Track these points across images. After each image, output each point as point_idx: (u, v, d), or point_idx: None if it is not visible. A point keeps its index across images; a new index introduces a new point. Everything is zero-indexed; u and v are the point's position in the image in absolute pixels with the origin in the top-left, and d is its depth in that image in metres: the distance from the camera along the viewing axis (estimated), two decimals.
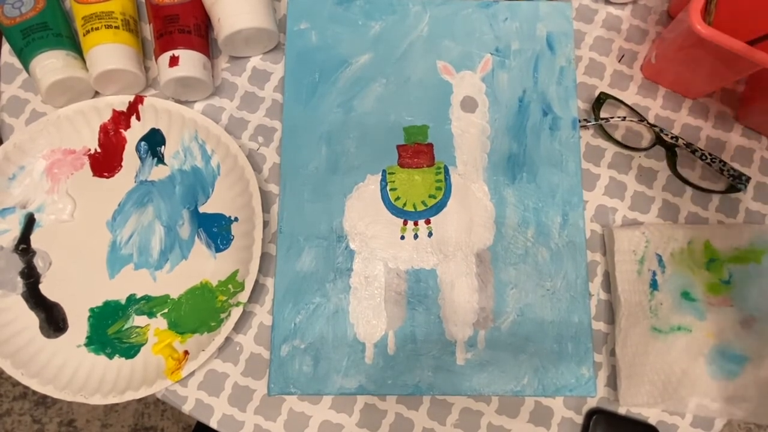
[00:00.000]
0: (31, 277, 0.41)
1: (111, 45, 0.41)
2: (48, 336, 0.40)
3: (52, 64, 0.40)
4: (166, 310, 0.41)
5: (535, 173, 0.43)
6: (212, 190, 0.43)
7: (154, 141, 0.43)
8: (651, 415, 0.40)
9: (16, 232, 0.41)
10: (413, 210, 0.42)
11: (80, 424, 1.02)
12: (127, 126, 0.43)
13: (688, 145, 0.43)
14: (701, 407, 0.38)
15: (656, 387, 0.38)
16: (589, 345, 0.40)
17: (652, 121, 0.45)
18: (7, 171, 0.42)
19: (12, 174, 0.42)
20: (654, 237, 0.41)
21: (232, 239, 0.42)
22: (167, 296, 0.41)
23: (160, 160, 0.43)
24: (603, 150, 0.44)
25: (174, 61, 0.41)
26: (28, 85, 0.45)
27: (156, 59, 0.42)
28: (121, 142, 0.43)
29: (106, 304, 0.41)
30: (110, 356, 0.40)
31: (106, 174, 0.43)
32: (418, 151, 0.43)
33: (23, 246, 0.41)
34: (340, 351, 0.40)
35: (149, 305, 0.41)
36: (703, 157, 0.42)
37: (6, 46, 0.45)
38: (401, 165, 0.43)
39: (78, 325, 0.40)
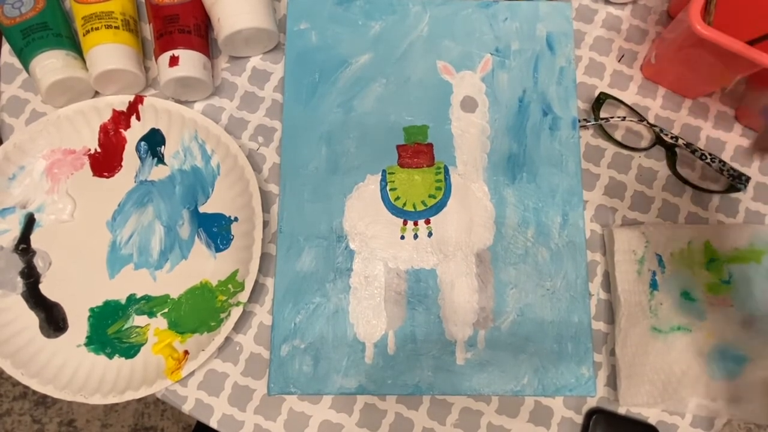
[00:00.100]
0: (31, 277, 0.41)
1: (111, 45, 0.41)
2: (48, 336, 0.40)
3: (52, 64, 0.40)
4: (166, 310, 0.41)
5: (535, 173, 0.43)
6: (212, 190, 0.43)
7: (154, 141, 0.43)
8: (651, 415, 0.40)
9: (16, 232, 0.42)
10: (413, 210, 0.42)
11: (80, 424, 1.02)
12: (127, 126, 0.43)
13: (688, 145, 0.43)
14: (701, 407, 0.38)
15: (656, 387, 0.38)
16: (589, 345, 0.40)
17: (652, 121, 0.45)
18: (7, 171, 0.42)
19: (12, 174, 0.42)
20: (654, 237, 0.41)
21: (232, 239, 0.42)
22: (167, 296, 0.41)
23: (160, 160, 0.43)
24: (603, 150, 0.44)
25: (174, 61, 0.41)
26: (28, 85, 0.45)
27: (156, 59, 0.42)
28: (121, 142, 0.43)
29: (106, 303, 0.41)
30: (110, 356, 0.40)
31: (106, 174, 0.43)
32: (418, 151, 0.43)
33: (23, 246, 0.41)
34: (340, 351, 0.40)
35: (149, 305, 0.41)
36: (703, 157, 0.42)
37: (6, 46, 0.45)
38: (401, 165, 0.43)
39: (78, 325, 0.40)
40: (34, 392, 1.03)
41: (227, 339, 0.41)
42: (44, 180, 0.42)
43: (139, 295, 0.41)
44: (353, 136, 0.43)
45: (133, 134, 0.43)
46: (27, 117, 0.44)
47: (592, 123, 0.43)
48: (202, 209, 0.42)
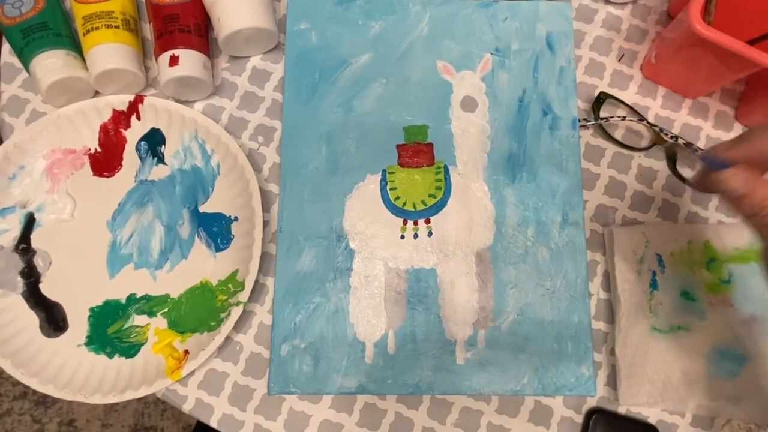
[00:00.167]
0: (31, 277, 0.41)
1: (111, 45, 0.41)
2: (48, 335, 0.40)
3: (52, 63, 0.40)
4: (166, 310, 0.41)
5: (535, 173, 0.43)
6: (212, 190, 0.43)
7: (154, 140, 0.43)
8: (651, 415, 0.40)
9: (16, 231, 0.42)
10: (413, 209, 0.42)
11: (80, 423, 1.03)
12: (127, 125, 0.43)
13: (688, 144, 0.43)
14: (701, 407, 0.38)
15: (656, 387, 0.38)
16: (589, 344, 0.40)
17: (651, 120, 0.45)
18: (7, 171, 0.42)
19: (12, 174, 0.42)
20: (654, 237, 0.41)
21: (232, 239, 0.42)
22: (167, 296, 0.41)
23: (160, 159, 0.43)
24: (603, 150, 0.44)
25: (174, 61, 0.41)
26: (28, 84, 0.45)
27: (156, 59, 0.42)
28: (121, 142, 0.43)
29: (106, 303, 0.41)
30: (110, 356, 0.40)
31: (106, 174, 0.43)
32: (418, 150, 0.43)
33: (23, 245, 0.41)
34: (340, 350, 0.40)
35: (149, 305, 0.41)
36: None
37: (6, 46, 0.45)
38: (401, 164, 0.43)
39: (78, 325, 0.40)
40: (34, 392, 1.03)
41: (227, 338, 0.41)
42: (44, 180, 0.42)
43: (139, 295, 0.41)
44: (353, 135, 0.43)
45: (134, 134, 0.43)
46: (27, 117, 0.44)
47: (592, 123, 0.43)
48: (202, 209, 0.42)
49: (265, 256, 0.42)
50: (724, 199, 0.27)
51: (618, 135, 0.45)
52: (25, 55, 0.41)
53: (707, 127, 0.45)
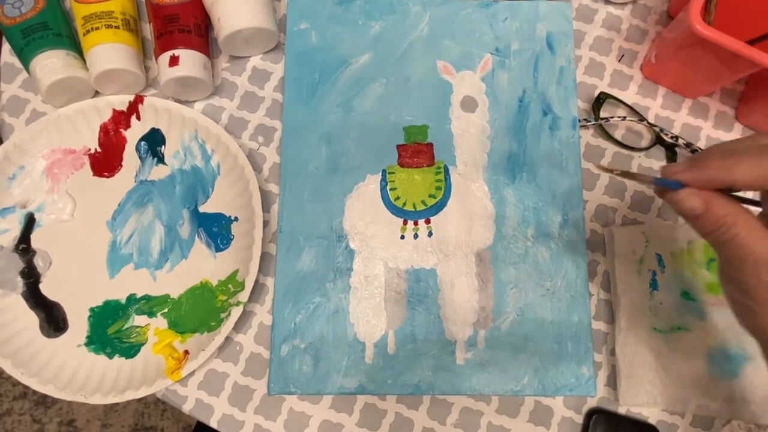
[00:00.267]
0: (31, 277, 0.41)
1: (111, 45, 0.41)
2: (48, 336, 0.40)
3: (52, 63, 0.40)
4: (166, 310, 0.41)
5: (535, 173, 0.43)
6: (212, 190, 0.43)
7: (154, 141, 0.43)
8: (651, 415, 0.40)
9: (16, 231, 0.42)
10: (413, 210, 0.42)
11: (80, 423, 1.03)
12: (127, 126, 0.43)
13: (688, 144, 0.43)
14: (701, 407, 0.38)
15: (656, 387, 0.38)
16: (589, 345, 0.40)
17: (652, 120, 0.45)
18: (7, 171, 0.42)
19: (12, 174, 0.42)
20: (654, 237, 0.41)
21: (232, 239, 0.42)
22: (167, 296, 0.41)
23: (160, 159, 0.43)
24: (603, 150, 0.44)
25: (174, 61, 0.41)
26: (28, 84, 0.45)
27: (156, 59, 0.42)
28: (121, 142, 0.43)
29: (106, 303, 0.41)
30: (110, 356, 0.40)
31: (106, 174, 0.43)
32: (418, 150, 0.43)
33: (23, 246, 0.41)
34: (340, 351, 0.40)
35: (149, 305, 0.41)
36: None
37: (6, 46, 0.45)
38: (401, 165, 0.43)
39: (78, 325, 0.40)
40: (34, 392, 1.03)
41: (227, 339, 0.41)
42: (44, 180, 0.42)
43: (139, 295, 0.41)
44: (353, 135, 0.43)
45: (134, 134, 0.43)
46: (27, 117, 0.44)
47: (592, 123, 0.43)
48: (202, 209, 0.42)
49: (265, 256, 0.42)
50: (681, 217, 0.28)
51: (618, 135, 0.45)
52: (25, 55, 0.41)
53: (707, 127, 0.45)
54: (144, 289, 0.41)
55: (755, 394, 0.38)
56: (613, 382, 0.40)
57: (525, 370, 0.39)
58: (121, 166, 0.43)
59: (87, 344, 0.40)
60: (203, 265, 0.41)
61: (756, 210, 0.28)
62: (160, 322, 0.40)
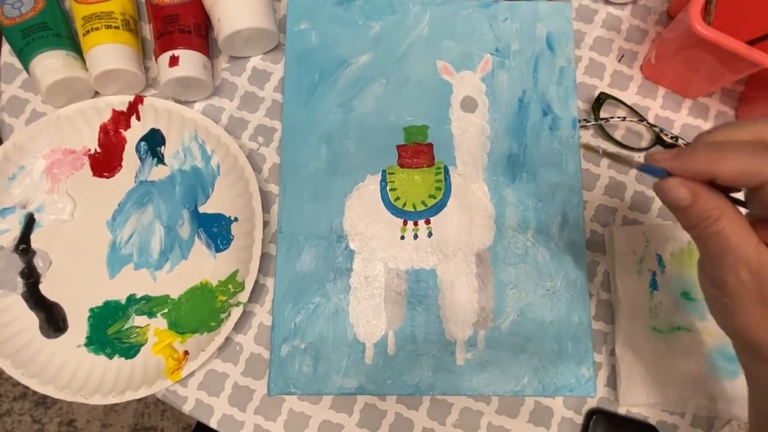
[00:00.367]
0: (31, 277, 0.41)
1: (111, 45, 0.41)
2: (48, 336, 0.40)
3: (52, 64, 0.40)
4: (166, 310, 0.41)
5: (535, 173, 0.43)
6: (212, 190, 0.43)
7: (154, 141, 0.43)
8: (651, 415, 0.40)
9: (16, 232, 0.41)
10: (413, 210, 0.42)
11: (80, 424, 1.03)
12: (127, 126, 0.43)
13: (688, 145, 0.43)
14: (701, 407, 0.38)
15: (656, 387, 0.38)
16: (589, 345, 0.40)
17: (652, 121, 0.45)
18: (7, 171, 0.42)
19: (12, 174, 0.42)
20: (654, 237, 0.41)
21: (232, 239, 0.42)
22: (167, 296, 0.41)
23: (160, 160, 0.43)
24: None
25: (174, 61, 0.41)
26: (28, 85, 0.45)
27: (156, 59, 0.42)
28: (121, 142, 0.43)
29: (106, 304, 0.41)
30: (110, 356, 0.40)
31: (106, 174, 0.43)
32: (418, 151, 0.43)
33: (23, 246, 0.41)
34: (340, 351, 0.40)
35: (149, 305, 0.41)
36: None
37: (6, 46, 0.45)
38: (401, 165, 0.43)
39: (78, 325, 0.40)
40: (34, 392, 1.03)
41: (227, 339, 0.41)
42: (44, 180, 0.42)
43: (139, 296, 0.41)
44: (353, 136, 0.43)
45: (133, 134, 0.43)
46: (27, 117, 0.44)
47: (592, 123, 0.43)
48: (202, 209, 0.42)
49: (265, 257, 0.42)
50: (666, 206, 0.27)
51: (618, 135, 0.45)
52: (25, 55, 0.41)
53: (707, 128, 0.45)
54: (144, 289, 0.41)
55: None
56: (613, 382, 0.40)
57: (525, 371, 0.39)
58: (121, 166, 0.43)
59: (87, 345, 0.40)
60: (203, 266, 0.41)
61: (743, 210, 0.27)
62: (160, 323, 0.40)
